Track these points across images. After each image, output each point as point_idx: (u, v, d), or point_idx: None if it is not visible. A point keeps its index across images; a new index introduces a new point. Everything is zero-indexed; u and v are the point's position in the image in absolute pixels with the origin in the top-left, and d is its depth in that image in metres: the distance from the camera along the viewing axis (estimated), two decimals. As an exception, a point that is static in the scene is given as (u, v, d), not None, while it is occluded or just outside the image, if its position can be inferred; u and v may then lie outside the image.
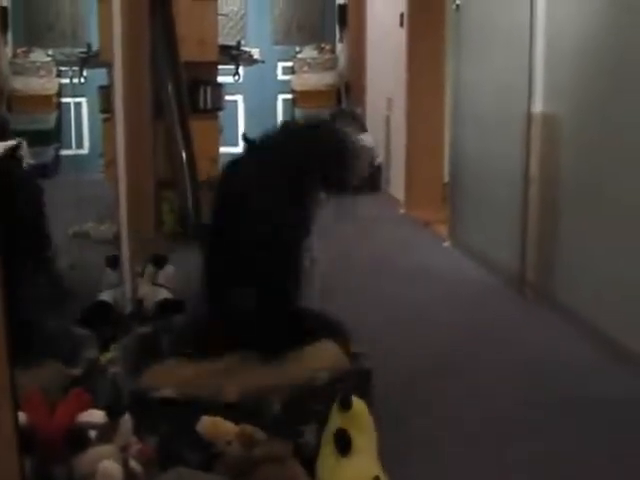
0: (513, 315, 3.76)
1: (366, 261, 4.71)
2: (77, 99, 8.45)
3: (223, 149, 5.59)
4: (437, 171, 6.23)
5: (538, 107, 3.91)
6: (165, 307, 3.15)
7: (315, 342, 2.46)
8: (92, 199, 6.14)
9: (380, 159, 7.07)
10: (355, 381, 2.10)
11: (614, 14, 3.19)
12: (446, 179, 5.70)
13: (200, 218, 4.98)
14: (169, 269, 3.52)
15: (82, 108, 8.56)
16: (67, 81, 8.15)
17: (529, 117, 3.95)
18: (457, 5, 4.95)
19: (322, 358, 2.34)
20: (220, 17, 5.97)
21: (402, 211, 6.20)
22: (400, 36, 6.46)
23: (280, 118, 9.02)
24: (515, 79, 4.09)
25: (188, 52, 5.02)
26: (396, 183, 6.64)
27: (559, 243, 3.71)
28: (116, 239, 3.21)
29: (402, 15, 6.45)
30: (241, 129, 8.86)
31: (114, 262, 3.27)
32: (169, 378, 2.28)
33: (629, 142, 3.08)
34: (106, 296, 3.20)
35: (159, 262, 3.48)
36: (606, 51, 3.27)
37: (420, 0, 6.21)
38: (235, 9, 9.00)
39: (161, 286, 3.33)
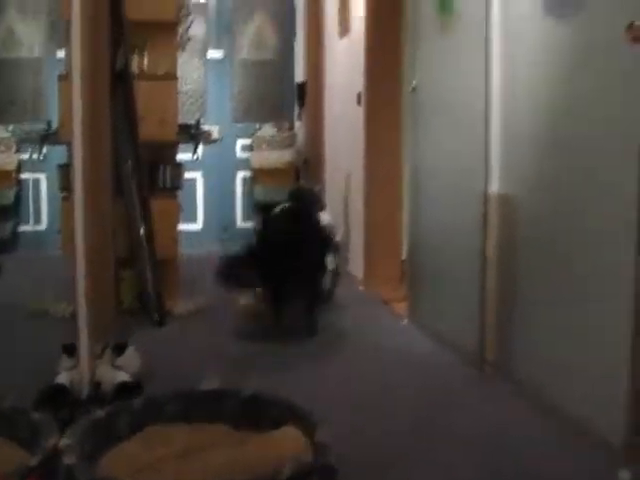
0: (473, 393, 3.77)
1: (322, 342, 4.71)
2: (36, 175, 8.44)
3: (182, 226, 5.59)
4: (395, 248, 6.26)
5: (495, 188, 3.97)
6: (124, 390, 3.12)
7: (280, 428, 2.46)
8: (51, 276, 6.09)
9: (339, 236, 7.09)
10: (319, 477, 2.08)
11: (568, 98, 3.27)
12: (404, 256, 5.73)
13: (160, 296, 4.97)
14: (128, 351, 3.49)
15: (41, 184, 8.54)
16: (26, 157, 8.14)
17: (486, 197, 4.00)
18: (413, 87, 5.03)
19: (286, 445, 2.33)
20: (180, 94, 6.02)
21: (361, 289, 6.21)
22: (358, 115, 6.55)
23: (239, 195, 9.07)
24: (472, 160, 4.15)
25: (148, 132, 5.04)
26: (355, 260, 6.67)
27: (517, 322, 3.74)
28: (74, 318, 3.19)
29: (359, 94, 6.54)
30: (200, 206, 8.90)
31: (71, 350, 3.24)
32: (127, 465, 2.25)
33: (584, 224, 3.13)
34: (63, 379, 3.17)
35: (120, 349, 3.45)
36: (560, 133, 3.34)
37: (377, 80, 6.30)
38: (195, 87, 9.09)
39: (120, 368, 3.30)
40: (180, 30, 6.25)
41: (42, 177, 8.45)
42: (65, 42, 5.51)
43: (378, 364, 4.25)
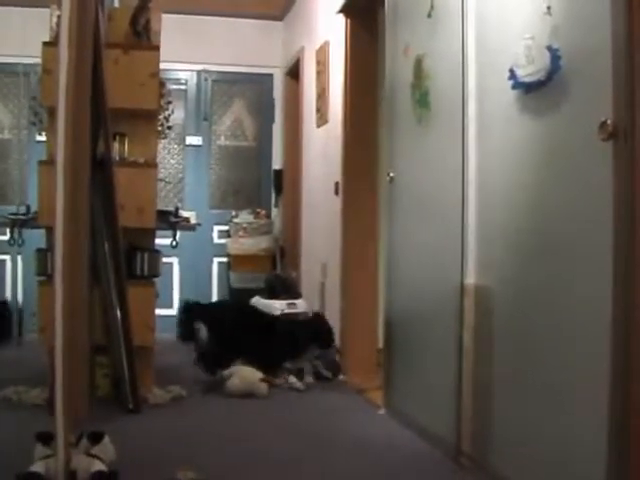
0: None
1: (299, 431, 4.69)
2: (12, 257, 8.41)
3: (157, 310, 5.57)
4: (371, 337, 6.29)
5: (471, 279, 4.01)
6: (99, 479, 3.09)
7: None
8: (25, 360, 6.06)
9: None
10: None
11: (543, 192, 3.33)
12: (380, 345, 5.74)
13: (135, 384, 4.94)
14: (104, 440, 3.46)
15: (17, 266, 8.50)
16: (3, 238, 8.11)
17: (462, 288, 4.04)
18: (391, 177, 5.11)
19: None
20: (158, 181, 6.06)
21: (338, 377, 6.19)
22: (335, 204, 6.62)
23: (215, 281, 9.09)
24: (448, 251, 4.20)
25: (127, 219, 5.05)
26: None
27: (494, 413, 3.74)
28: (49, 405, 3.17)
29: (337, 184, 6.62)
30: (176, 291, 8.90)
31: (45, 438, 3.22)
32: None
33: (559, 316, 3.17)
34: (38, 467, 3.13)
35: (96, 438, 3.42)
36: (535, 226, 3.40)
37: (354, 170, 6.40)
38: (173, 172, 9.17)
39: (96, 457, 3.27)
40: (161, 118, 6.31)
41: (19, 259, 8.42)
42: (48, 128, 5.57)
43: (352, 454, 4.21)
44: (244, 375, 5.57)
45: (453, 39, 4.18)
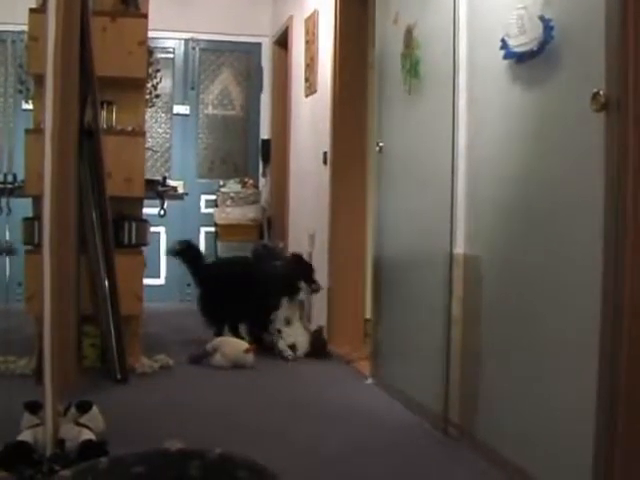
0: (436, 456, 3.76)
1: (287, 401, 4.69)
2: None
3: (145, 280, 5.55)
4: (359, 307, 6.29)
5: (460, 248, 4.01)
6: (88, 449, 3.09)
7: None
8: (12, 330, 6.03)
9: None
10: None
11: (532, 163, 3.33)
12: (368, 315, 5.75)
13: (122, 353, 4.94)
14: (92, 409, 3.46)
15: (5, 235, 8.45)
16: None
17: (451, 258, 4.04)
18: (380, 147, 5.09)
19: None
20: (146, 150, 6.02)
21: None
22: (323, 174, 6.60)
23: (202, 251, 9.05)
24: (437, 220, 4.19)
25: (115, 188, 5.03)
26: (318, 319, 6.67)
27: (482, 383, 3.76)
28: (37, 374, 3.16)
29: (325, 153, 6.60)
30: (164, 261, 8.87)
31: (33, 407, 3.21)
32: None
33: (548, 286, 3.17)
34: (26, 436, 3.13)
35: (84, 407, 3.41)
36: (525, 196, 3.39)
37: (343, 139, 6.37)
38: (160, 142, 9.12)
39: (84, 426, 3.27)
40: (149, 86, 6.27)
41: (6, 228, 8.37)
42: (34, 95, 5.53)
43: (340, 424, 4.22)
44: (227, 351, 5.55)
45: (444, 7, 4.15)
